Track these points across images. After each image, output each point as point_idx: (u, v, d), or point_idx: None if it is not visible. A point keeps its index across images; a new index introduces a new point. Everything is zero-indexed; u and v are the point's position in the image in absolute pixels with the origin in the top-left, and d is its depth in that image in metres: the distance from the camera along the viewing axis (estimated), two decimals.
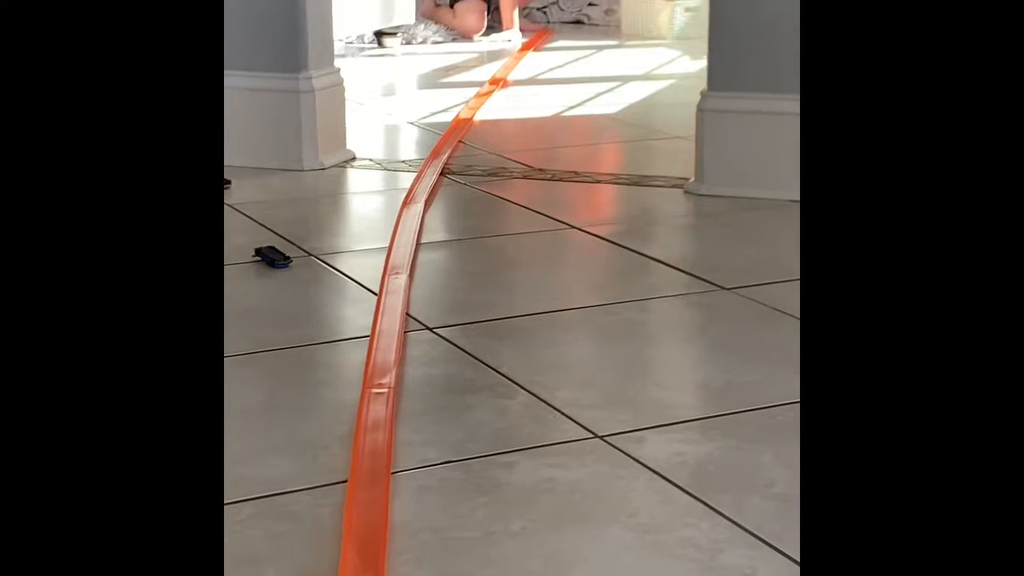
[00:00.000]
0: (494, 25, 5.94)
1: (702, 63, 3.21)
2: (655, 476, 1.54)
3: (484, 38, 5.73)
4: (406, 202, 2.79)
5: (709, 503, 1.47)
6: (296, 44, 3.14)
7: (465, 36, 5.76)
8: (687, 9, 5.85)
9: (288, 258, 2.40)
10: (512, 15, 5.79)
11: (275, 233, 2.60)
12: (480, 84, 4.51)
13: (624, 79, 4.75)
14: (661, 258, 2.43)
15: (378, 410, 1.69)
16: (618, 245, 2.52)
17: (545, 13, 6.41)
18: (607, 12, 6.32)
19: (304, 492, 1.51)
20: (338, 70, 3.30)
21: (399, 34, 5.61)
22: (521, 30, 5.90)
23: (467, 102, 4.11)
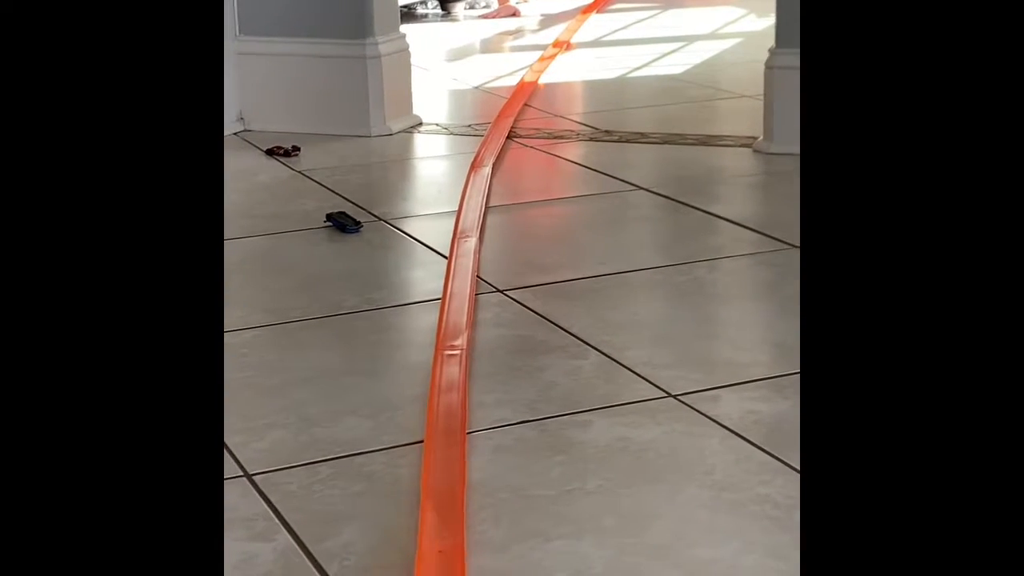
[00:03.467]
0: None
1: (768, 21, 3.19)
2: (730, 434, 1.54)
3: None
4: (474, 166, 2.80)
5: (785, 460, 1.47)
6: (362, 10, 3.15)
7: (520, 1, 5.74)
8: None
9: (359, 223, 2.41)
10: None
11: (345, 198, 2.62)
12: (544, 47, 4.50)
13: (689, 39, 4.71)
14: (731, 217, 2.42)
15: (451, 371, 1.70)
16: (687, 205, 2.51)
17: None
18: None
19: (381, 452, 1.53)
20: (403, 35, 3.30)
21: None
22: None
23: (531, 65, 4.10)
